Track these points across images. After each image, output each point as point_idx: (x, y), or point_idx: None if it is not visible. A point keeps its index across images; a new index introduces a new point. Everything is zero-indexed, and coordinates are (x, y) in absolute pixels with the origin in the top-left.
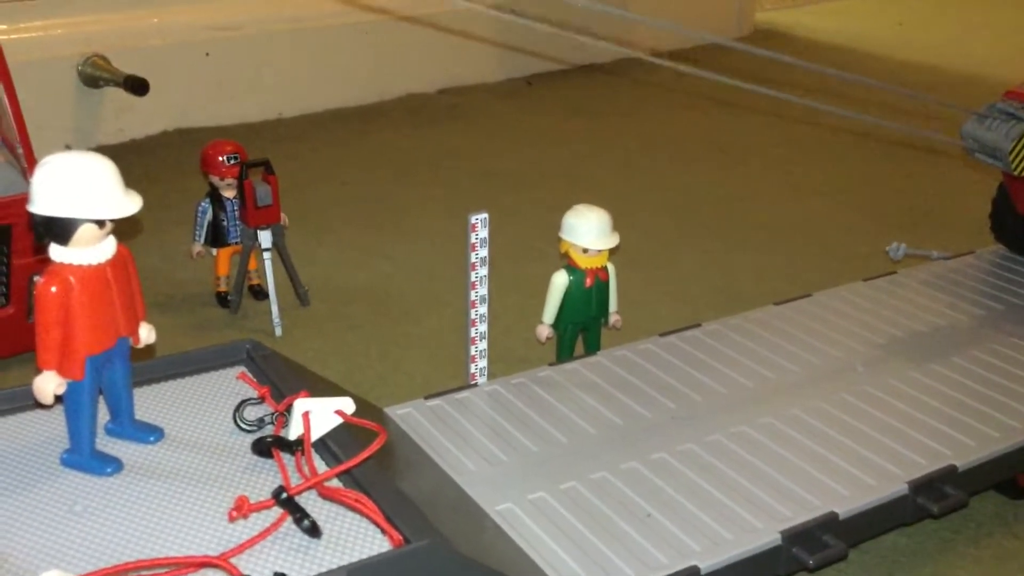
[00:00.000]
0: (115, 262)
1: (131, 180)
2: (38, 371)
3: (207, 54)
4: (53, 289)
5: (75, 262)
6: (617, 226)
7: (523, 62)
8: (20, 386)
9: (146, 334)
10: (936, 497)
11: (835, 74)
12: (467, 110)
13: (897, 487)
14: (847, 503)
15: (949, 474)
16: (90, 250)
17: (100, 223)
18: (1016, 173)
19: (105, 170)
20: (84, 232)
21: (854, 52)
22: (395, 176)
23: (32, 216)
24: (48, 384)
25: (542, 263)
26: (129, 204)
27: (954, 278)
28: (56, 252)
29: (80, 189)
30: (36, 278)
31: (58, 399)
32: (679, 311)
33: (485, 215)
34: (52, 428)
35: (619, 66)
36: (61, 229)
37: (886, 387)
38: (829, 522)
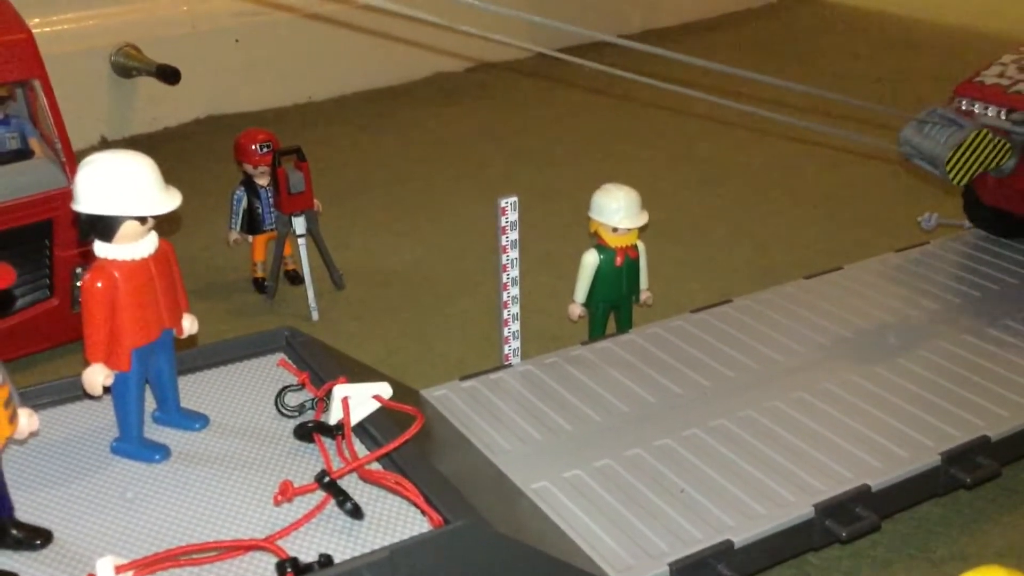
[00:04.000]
0: (158, 256)
1: (166, 169)
2: (86, 364)
3: (236, 40)
4: (99, 285)
5: (119, 258)
6: (646, 202)
7: (551, 37)
8: (70, 377)
9: (189, 325)
10: (969, 468)
11: (754, 77)
12: (496, 88)
13: (930, 459)
14: (880, 475)
15: (982, 444)
16: (133, 246)
17: (142, 219)
18: (954, 183)
19: (146, 168)
20: (127, 229)
21: (891, 18)
22: (425, 157)
23: (77, 215)
24: (97, 376)
25: (572, 242)
26: (169, 200)
27: (987, 247)
28: (100, 248)
29: (123, 187)
30: (79, 271)
31: (106, 390)
32: (710, 286)
33: (514, 199)
34: (101, 417)
35: (645, 38)
36: (105, 226)
37: (919, 359)
38: (862, 494)
